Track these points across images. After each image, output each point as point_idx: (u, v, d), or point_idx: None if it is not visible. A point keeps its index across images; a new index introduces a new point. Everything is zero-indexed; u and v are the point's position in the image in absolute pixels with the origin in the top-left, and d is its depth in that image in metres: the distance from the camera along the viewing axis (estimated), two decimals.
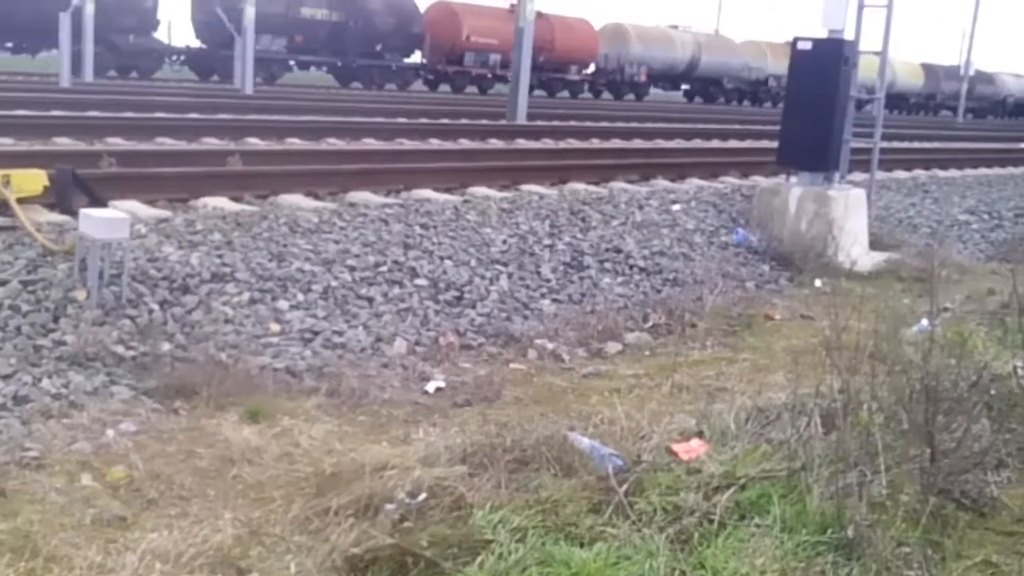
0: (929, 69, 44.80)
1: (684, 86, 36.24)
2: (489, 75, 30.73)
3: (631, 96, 34.69)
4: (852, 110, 8.91)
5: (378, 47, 26.52)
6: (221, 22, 22.57)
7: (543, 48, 30.15)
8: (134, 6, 23.86)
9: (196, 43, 26.32)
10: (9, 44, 24.37)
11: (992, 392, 3.63)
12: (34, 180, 5.74)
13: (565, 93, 32.83)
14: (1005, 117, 46.78)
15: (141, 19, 24.52)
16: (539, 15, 32.00)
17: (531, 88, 33.35)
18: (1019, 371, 3.98)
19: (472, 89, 30.72)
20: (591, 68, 34.68)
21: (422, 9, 30.13)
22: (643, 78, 34.62)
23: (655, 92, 36.84)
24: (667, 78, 35.96)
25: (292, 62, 27.02)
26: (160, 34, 25.72)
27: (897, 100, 39.77)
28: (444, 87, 30.52)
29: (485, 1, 31.66)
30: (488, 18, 30.56)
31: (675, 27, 36.37)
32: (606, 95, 34.64)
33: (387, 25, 26.81)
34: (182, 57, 26.20)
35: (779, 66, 32.68)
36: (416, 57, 30.45)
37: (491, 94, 29.70)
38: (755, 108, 34.30)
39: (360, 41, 26.36)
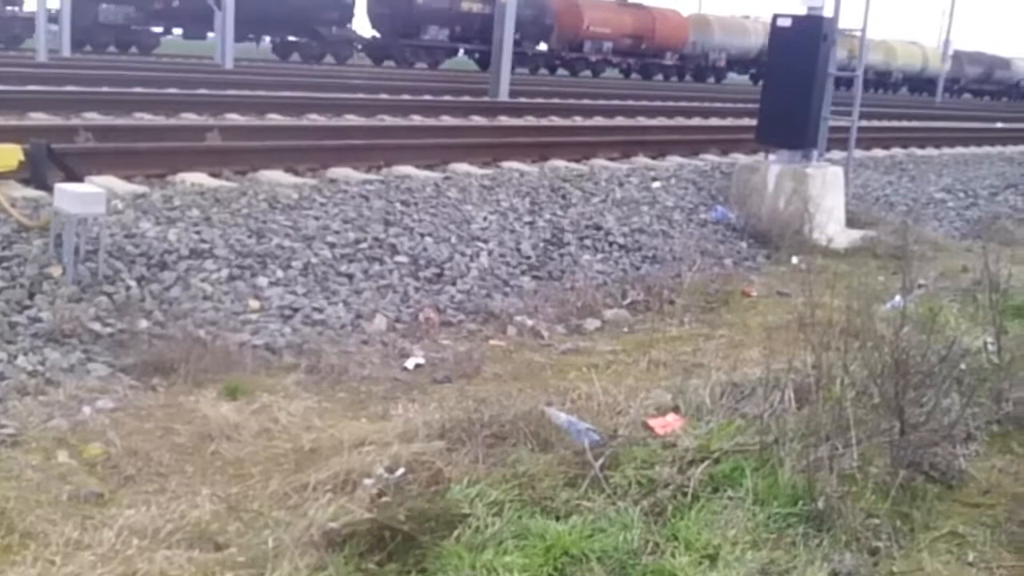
0: (955, 55, 46.75)
1: (752, 70, 39.47)
2: (602, 60, 34.44)
3: (712, 79, 37.55)
4: (831, 87, 8.93)
5: (517, 36, 28.42)
6: (398, 14, 26.74)
7: (644, 36, 34.80)
8: (337, 1, 27.35)
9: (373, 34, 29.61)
10: (178, 30, 27.09)
11: (962, 367, 3.69)
12: (8, 155, 5.67)
13: (659, 76, 36.38)
14: (1019, 100, 49.67)
15: (341, 13, 28.02)
16: (640, 7, 35.62)
17: (628, 72, 35.67)
18: (989, 346, 4.05)
19: (586, 72, 34.08)
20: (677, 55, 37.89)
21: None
22: (723, 63, 37.57)
23: (730, 76, 40.01)
24: (741, 63, 39.20)
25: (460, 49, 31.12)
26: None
27: (926, 84, 42.43)
28: (562, 71, 33.81)
29: None
30: (604, 10, 34.47)
31: (747, 17, 39.57)
32: (687, 78, 37.62)
33: (526, 16, 29.31)
34: (359, 45, 29.75)
35: (846, 55, 36.19)
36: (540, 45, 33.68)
37: (602, 77, 33.57)
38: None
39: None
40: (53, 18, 20.27)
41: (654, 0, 36.62)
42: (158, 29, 25.75)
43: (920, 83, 43.35)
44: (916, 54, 43.65)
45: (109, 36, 24.87)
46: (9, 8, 23.32)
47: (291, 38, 27.12)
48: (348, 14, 27.80)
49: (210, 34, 25.74)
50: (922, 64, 43.62)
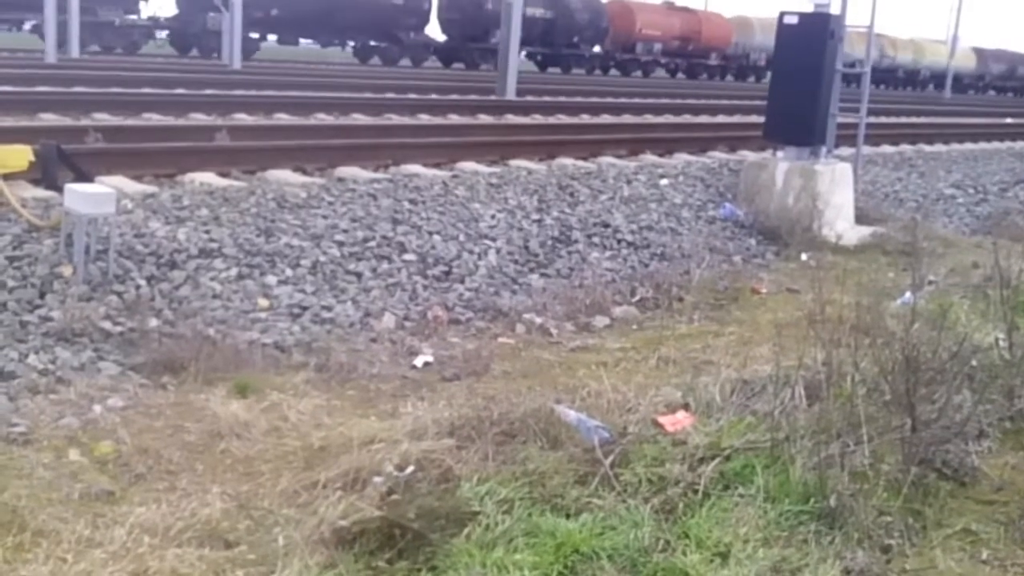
0: (980, 52, 48.00)
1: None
2: (652, 61, 36.28)
3: (752, 78, 38.29)
4: (839, 84, 8.89)
5: (575, 39, 32.06)
6: (468, 19, 28.86)
7: (691, 38, 36.45)
8: (416, 7, 29.02)
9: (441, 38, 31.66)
10: (273, 36, 29.33)
11: (973, 363, 3.68)
12: (19, 155, 5.69)
13: (704, 76, 37.55)
14: None
15: (419, 19, 29.66)
16: (688, 9, 37.53)
17: (674, 72, 37.12)
18: (1000, 343, 4.03)
19: (637, 73, 35.45)
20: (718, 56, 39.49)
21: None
22: (763, 63, 38.18)
23: (769, 75, 40.49)
24: (763, 65, 40.76)
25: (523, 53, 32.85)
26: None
27: (953, 81, 43.43)
28: (613, 72, 35.11)
29: None
30: (654, 13, 36.07)
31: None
32: (728, 78, 38.89)
33: (583, 20, 32.04)
34: (432, 48, 31.38)
35: (861, 51, 36.78)
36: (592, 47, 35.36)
37: (652, 77, 34.90)
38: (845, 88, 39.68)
39: (563, 34, 31.86)
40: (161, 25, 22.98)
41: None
42: (255, 35, 27.36)
43: (945, 80, 43.98)
44: (943, 52, 44.44)
45: (215, 42, 26.01)
46: (129, 16, 25.22)
47: (372, 43, 28.94)
48: (424, 20, 29.54)
49: (303, 40, 28.99)
50: (947, 62, 44.16)
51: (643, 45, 35.41)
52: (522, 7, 29.81)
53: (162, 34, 23.93)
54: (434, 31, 31.68)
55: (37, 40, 22.68)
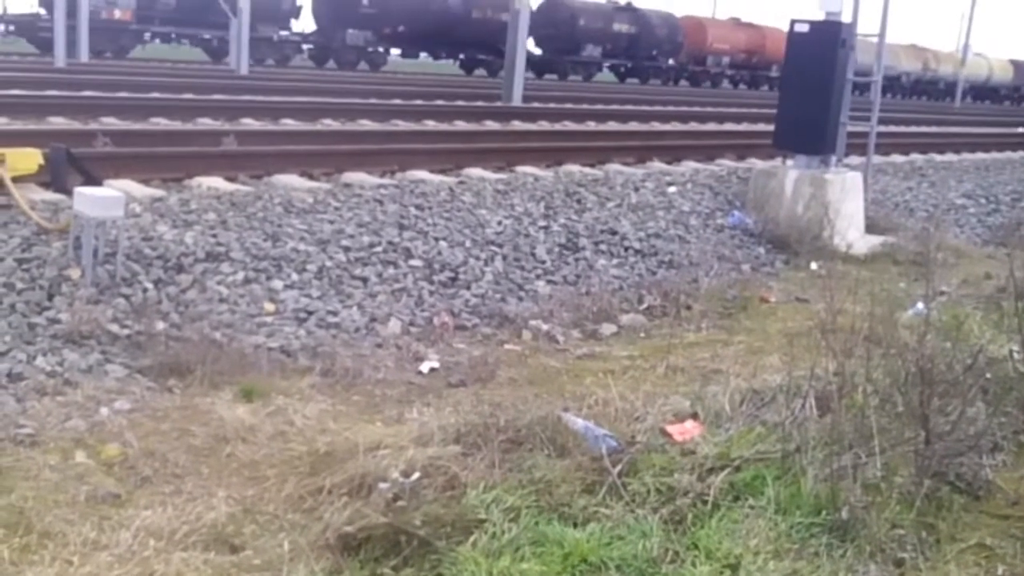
0: (1017, 64, 49.64)
1: None
2: (720, 73, 39.03)
3: None
4: (849, 93, 8.87)
5: (654, 52, 35.21)
6: (561, 34, 31.96)
7: (756, 51, 38.59)
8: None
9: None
10: (396, 50, 32.72)
11: (987, 375, 3.63)
12: (29, 159, 5.70)
13: (765, 87, 39.34)
14: None
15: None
16: (753, 25, 39.63)
17: (736, 83, 39.53)
18: (1015, 355, 3.98)
19: (707, 84, 37.77)
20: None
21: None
22: None
23: None
24: None
25: (606, 64, 36.77)
26: None
27: (990, 92, 46.09)
28: (683, 83, 37.59)
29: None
30: (724, 28, 38.78)
31: None
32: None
33: (662, 35, 35.01)
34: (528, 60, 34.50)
35: (908, 65, 40.91)
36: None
37: (720, 88, 37.79)
38: (892, 100, 41.36)
39: (645, 47, 35.01)
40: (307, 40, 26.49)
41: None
42: (381, 49, 30.64)
43: (985, 92, 45.97)
44: (982, 65, 46.20)
45: (353, 55, 29.39)
46: (282, 32, 28.47)
47: (479, 56, 31.77)
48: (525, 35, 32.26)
49: (422, 54, 32.34)
50: (987, 74, 46.25)
51: (713, 58, 38.08)
52: (611, 22, 33.20)
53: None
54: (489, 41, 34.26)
55: (200, 53, 26.80)
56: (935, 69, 42.34)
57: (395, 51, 31.25)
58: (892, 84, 42.21)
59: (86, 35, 20.10)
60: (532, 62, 33.24)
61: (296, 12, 28.81)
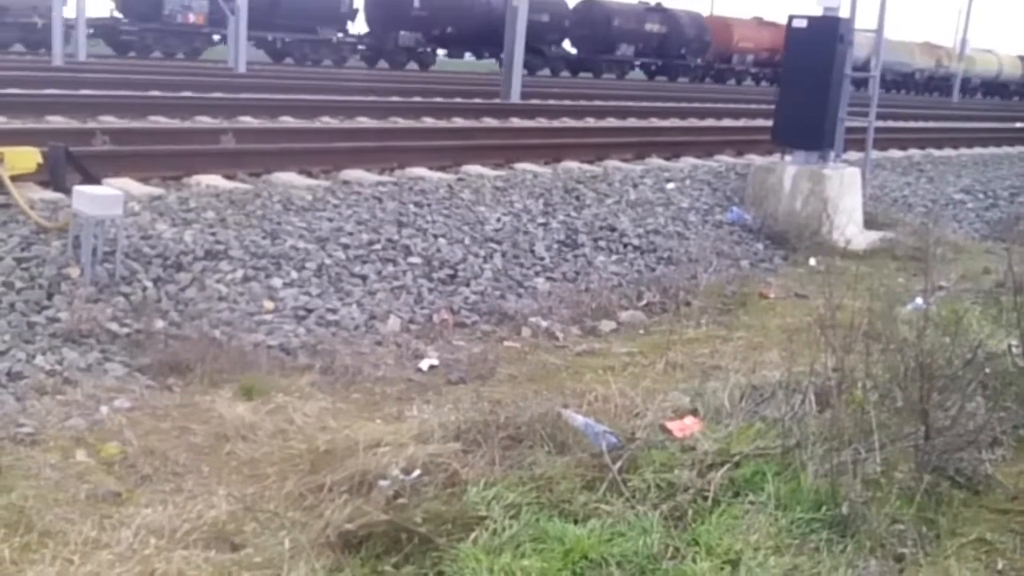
0: None
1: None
2: (744, 71, 40.02)
3: None
4: (848, 88, 8.86)
5: (683, 51, 36.63)
6: (597, 35, 33.63)
7: (779, 50, 45.07)
8: (558, 24, 33.12)
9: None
10: (442, 51, 33.90)
11: (987, 370, 3.63)
12: (27, 157, 5.69)
13: None
14: None
15: (560, 35, 34.03)
16: (776, 24, 39.54)
17: (759, 80, 40.23)
18: (1014, 350, 3.99)
19: (731, 81, 38.85)
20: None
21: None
22: None
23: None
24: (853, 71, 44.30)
25: (637, 63, 38.23)
26: None
27: (1000, 88, 46.96)
28: (708, 80, 38.31)
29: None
30: (748, 28, 39.53)
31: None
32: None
33: (691, 34, 36.43)
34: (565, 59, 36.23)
35: (921, 62, 41.85)
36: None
37: (744, 85, 38.90)
38: (905, 96, 41.84)
39: (675, 46, 36.36)
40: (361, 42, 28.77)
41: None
42: (429, 50, 31.76)
43: (995, 87, 46.88)
44: (992, 61, 47.21)
45: (404, 56, 30.64)
46: (339, 35, 29.73)
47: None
48: (563, 36, 33.98)
49: (467, 55, 33.76)
50: (997, 70, 47.17)
51: (738, 57, 39.12)
52: (643, 22, 34.79)
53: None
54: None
55: (263, 55, 27.94)
56: (947, 66, 43.51)
57: (441, 51, 32.77)
58: (907, 80, 43.34)
59: (84, 35, 20.07)
60: (568, 61, 35.16)
61: (353, 15, 30.26)
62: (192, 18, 26.14)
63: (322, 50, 28.91)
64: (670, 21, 36.15)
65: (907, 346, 3.38)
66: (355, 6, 30.25)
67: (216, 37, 27.27)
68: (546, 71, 33.32)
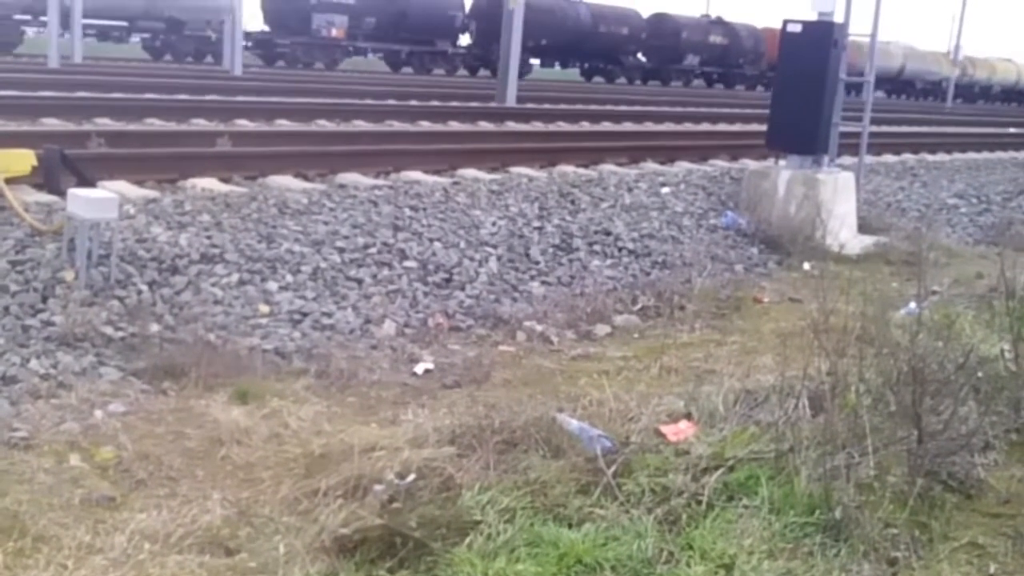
0: None
1: (887, 87, 44.52)
2: None
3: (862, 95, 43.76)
4: (842, 93, 8.90)
5: (741, 61, 39.12)
6: (667, 46, 36.12)
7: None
8: (636, 36, 35.76)
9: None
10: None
11: (979, 375, 3.66)
12: (22, 160, 5.68)
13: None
14: None
15: (637, 45, 36.59)
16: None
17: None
18: (1006, 354, 4.01)
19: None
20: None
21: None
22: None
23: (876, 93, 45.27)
24: (884, 80, 45.13)
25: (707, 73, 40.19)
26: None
27: (1018, 95, 48.08)
28: (759, 88, 38.91)
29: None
30: None
31: (887, 42, 44.31)
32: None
33: (748, 45, 38.84)
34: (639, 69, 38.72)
35: (948, 71, 42.36)
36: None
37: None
38: (936, 103, 42.42)
39: (734, 56, 38.76)
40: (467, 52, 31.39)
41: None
42: (525, 59, 33.79)
43: (1014, 95, 48.09)
44: (1011, 69, 48.76)
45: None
46: (452, 47, 32.04)
47: (599, 64, 36.04)
48: (639, 47, 36.62)
49: (556, 64, 35.58)
50: (1016, 78, 48.72)
51: None
52: (707, 34, 38.05)
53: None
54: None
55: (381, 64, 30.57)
56: (971, 75, 45.50)
57: (535, 61, 34.99)
58: (935, 88, 45.39)
59: (80, 36, 20.06)
60: (641, 70, 38.16)
61: (464, 28, 32.45)
62: (334, 32, 28.35)
63: (438, 60, 31.48)
64: (730, 33, 38.57)
65: (900, 350, 3.40)
66: (467, 21, 32.61)
67: (351, 49, 29.69)
68: (622, 79, 35.82)
